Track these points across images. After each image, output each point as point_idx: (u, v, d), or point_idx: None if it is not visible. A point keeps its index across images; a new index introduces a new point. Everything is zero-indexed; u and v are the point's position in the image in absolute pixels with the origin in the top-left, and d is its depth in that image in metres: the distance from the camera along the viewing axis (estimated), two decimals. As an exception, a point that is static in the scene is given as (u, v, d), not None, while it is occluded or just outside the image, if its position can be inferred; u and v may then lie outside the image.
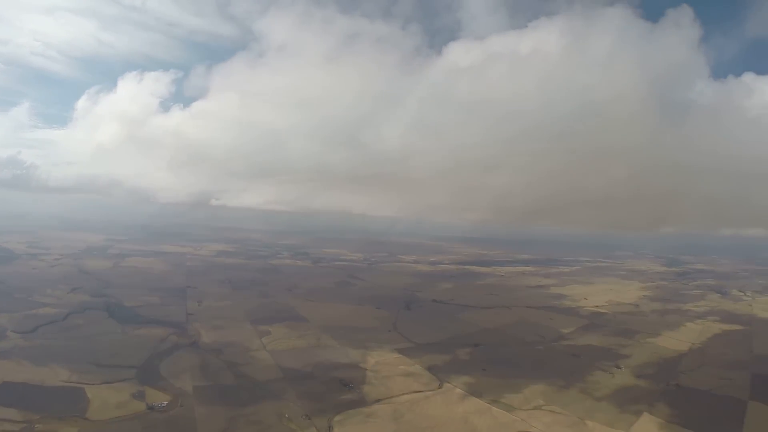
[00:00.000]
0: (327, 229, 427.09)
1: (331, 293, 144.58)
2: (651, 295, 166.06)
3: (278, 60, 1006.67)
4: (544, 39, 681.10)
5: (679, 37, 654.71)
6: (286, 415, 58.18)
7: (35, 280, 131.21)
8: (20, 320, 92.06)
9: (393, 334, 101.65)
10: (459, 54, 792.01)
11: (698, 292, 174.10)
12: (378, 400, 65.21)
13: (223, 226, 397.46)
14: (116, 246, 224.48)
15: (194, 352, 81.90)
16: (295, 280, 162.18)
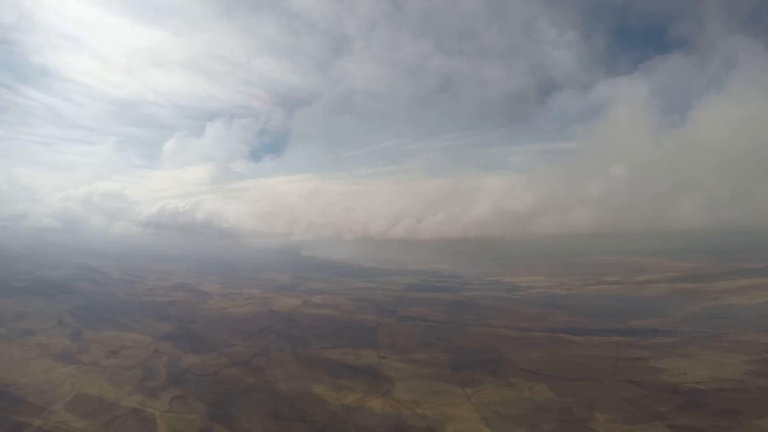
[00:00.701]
0: (514, 254, 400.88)
1: (535, 328, 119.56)
2: None
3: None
4: None
5: None
6: None
7: (226, 320, 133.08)
8: (203, 362, 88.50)
9: (618, 379, 78.67)
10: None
11: None
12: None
13: (406, 258, 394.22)
14: (304, 284, 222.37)
15: (389, 405, 68.62)
16: (491, 313, 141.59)
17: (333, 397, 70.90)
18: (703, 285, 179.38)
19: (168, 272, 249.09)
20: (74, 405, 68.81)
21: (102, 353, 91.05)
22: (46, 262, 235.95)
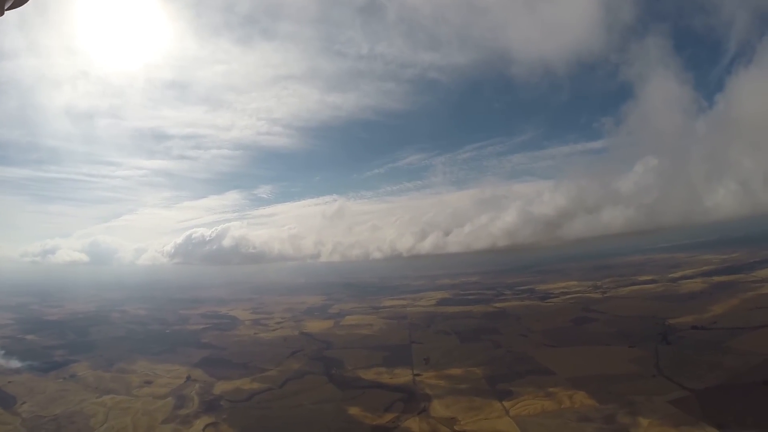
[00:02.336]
0: (545, 261, 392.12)
1: (571, 334, 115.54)
2: None
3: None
4: None
5: None
6: None
7: (257, 345, 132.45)
8: (236, 388, 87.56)
9: (659, 381, 72.97)
10: None
11: None
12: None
13: (436, 273, 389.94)
14: (335, 306, 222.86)
15: (426, 423, 65.92)
16: (525, 322, 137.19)
17: (369, 418, 68.48)
18: (740, 276, 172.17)
19: (197, 300, 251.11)
20: (108, 436, 68.21)
21: (135, 383, 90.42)
22: (77, 297, 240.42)
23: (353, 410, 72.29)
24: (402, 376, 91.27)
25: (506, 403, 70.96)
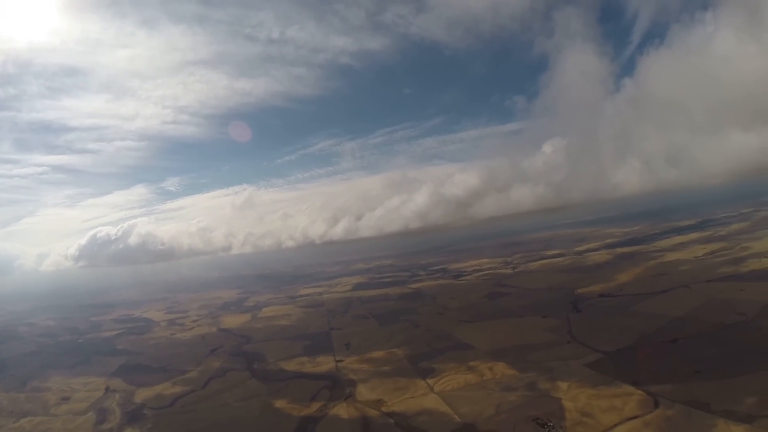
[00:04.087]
0: (457, 241, 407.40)
1: (486, 309, 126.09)
2: None
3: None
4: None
5: None
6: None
7: (175, 346, 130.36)
8: (157, 394, 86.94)
9: (573, 346, 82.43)
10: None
11: None
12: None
13: (350, 259, 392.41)
14: (251, 298, 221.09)
15: (353, 408, 69.39)
16: (441, 301, 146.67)
17: (296, 410, 71.84)
18: (642, 247, 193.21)
19: (108, 304, 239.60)
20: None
21: (52, 401, 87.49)
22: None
23: (279, 403, 75.69)
24: (324, 363, 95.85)
25: (430, 381, 77.02)
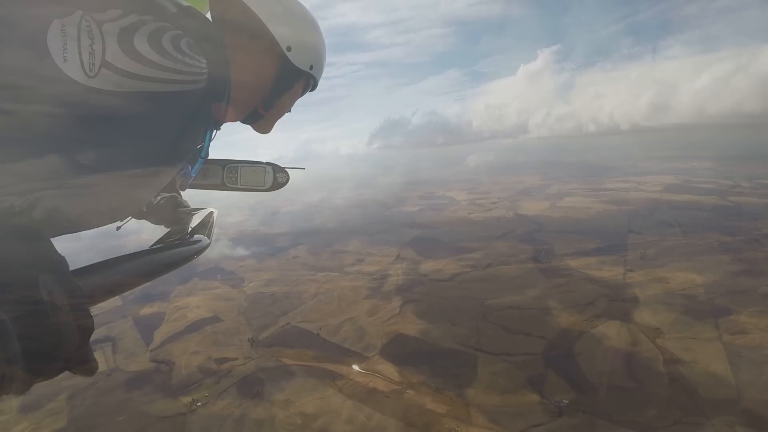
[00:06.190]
0: None
1: None
2: None
3: None
4: None
5: None
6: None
7: (469, 225, 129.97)
8: (440, 267, 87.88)
9: None
10: None
11: None
12: None
13: (663, 155, 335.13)
14: (553, 186, 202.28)
15: (626, 331, 54.81)
16: (764, 225, 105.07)
17: (565, 315, 62.33)
18: None
19: (414, 183, 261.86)
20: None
21: (348, 261, 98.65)
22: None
23: (551, 303, 66.92)
24: (612, 270, 79.92)
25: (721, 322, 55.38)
